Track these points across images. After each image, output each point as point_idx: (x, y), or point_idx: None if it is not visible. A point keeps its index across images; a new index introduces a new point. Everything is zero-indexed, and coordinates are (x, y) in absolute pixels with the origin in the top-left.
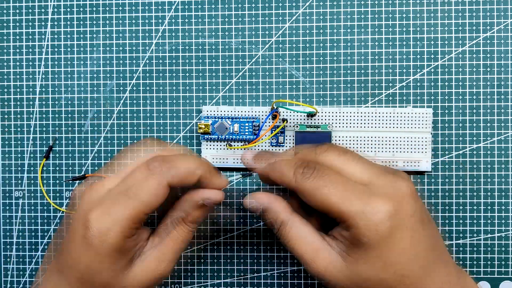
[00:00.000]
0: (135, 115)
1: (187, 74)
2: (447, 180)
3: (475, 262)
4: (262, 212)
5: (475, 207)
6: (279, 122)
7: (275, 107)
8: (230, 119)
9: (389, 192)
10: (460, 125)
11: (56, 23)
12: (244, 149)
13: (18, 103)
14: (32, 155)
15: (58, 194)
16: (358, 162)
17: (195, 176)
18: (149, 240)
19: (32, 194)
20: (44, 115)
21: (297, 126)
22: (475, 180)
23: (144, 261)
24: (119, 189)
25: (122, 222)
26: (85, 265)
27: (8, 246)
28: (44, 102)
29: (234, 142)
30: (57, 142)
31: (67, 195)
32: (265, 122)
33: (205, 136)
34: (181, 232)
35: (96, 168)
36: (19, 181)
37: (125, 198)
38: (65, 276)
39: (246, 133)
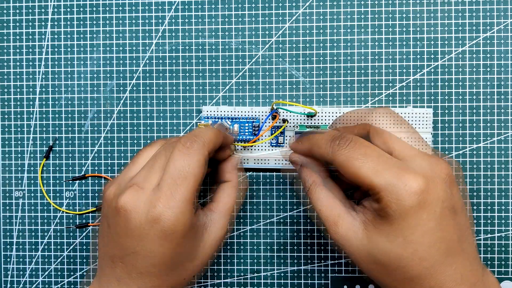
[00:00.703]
0: (135, 115)
1: (187, 74)
2: None
3: None
4: (300, 168)
5: (475, 207)
6: (279, 123)
7: (275, 108)
8: (230, 119)
9: (424, 171)
10: (460, 125)
11: (56, 23)
12: (244, 147)
13: (18, 103)
14: (32, 155)
15: (58, 194)
16: (398, 140)
17: (220, 138)
18: (211, 208)
19: (32, 194)
20: (44, 115)
21: (297, 127)
22: (475, 180)
23: (217, 226)
24: (169, 176)
25: (188, 199)
26: (172, 252)
27: (8, 246)
28: (44, 102)
29: (234, 142)
30: (57, 142)
31: (67, 195)
32: (265, 123)
33: None
34: (235, 195)
35: (96, 168)
36: (19, 181)
37: (182, 179)
38: (150, 276)
39: (246, 133)
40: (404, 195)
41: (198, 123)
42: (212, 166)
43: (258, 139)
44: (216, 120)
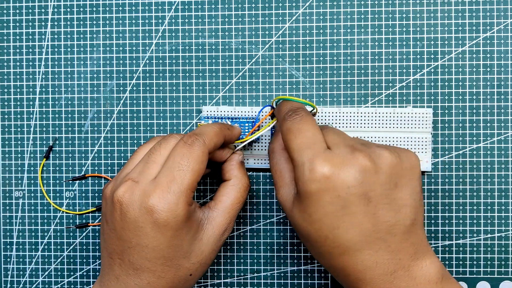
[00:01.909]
0: (135, 115)
1: (187, 74)
2: (447, 180)
3: (475, 262)
4: (275, 130)
5: (475, 207)
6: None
7: (275, 105)
8: (230, 119)
9: (339, 158)
10: (460, 125)
11: (56, 23)
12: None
13: (18, 103)
14: (32, 155)
15: (58, 194)
16: (339, 131)
17: (222, 137)
18: (210, 206)
19: (32, 194)
20: (44, 115)
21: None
22: (475, 180)
23: (214, 224)
24: (167, 169)
25: (185, 192)
26: (166, 245)
27: (8, 246)
28: (44, 102)
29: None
30: (57, 142)
31: (67, 195)
32: (259, 115)
33: None
34: (241, 194)
35: (96, 168)
36: (19, 181)
37: (179, 172)
38: (146, 269)
39: (246, 133)
40: (308, 176)
41: (198, 123)
42: (212, 167)
43: (253, 133)
44: (216, 120)
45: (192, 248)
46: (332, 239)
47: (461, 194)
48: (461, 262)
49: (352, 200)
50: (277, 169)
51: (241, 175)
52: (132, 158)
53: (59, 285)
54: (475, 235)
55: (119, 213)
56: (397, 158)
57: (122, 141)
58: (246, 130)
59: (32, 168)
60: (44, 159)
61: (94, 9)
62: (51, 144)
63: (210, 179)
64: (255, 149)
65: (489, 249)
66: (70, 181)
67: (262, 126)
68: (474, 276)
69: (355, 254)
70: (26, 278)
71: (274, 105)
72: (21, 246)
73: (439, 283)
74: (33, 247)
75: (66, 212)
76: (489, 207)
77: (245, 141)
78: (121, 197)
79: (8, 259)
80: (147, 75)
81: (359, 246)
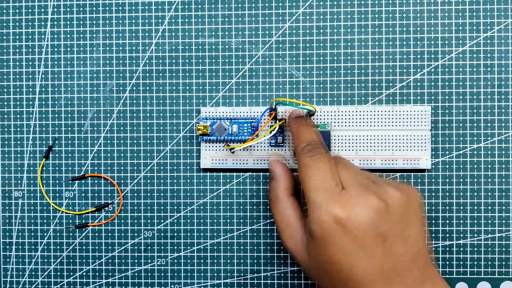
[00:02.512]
0: (135, 115)
1: (187, 74)
2: (447, 180)
3: (475, 262)
4: (271, 178)
5: (475, 207)
6: (274, 122)
7: (274, 106)
8: (228, 120)
9: (354, 201)
10: (460, 125)
11: (56, 23)
12: (241, 148)
13: (18, 103)
14: (32, 155)
15: (57, 194)
16: (351, 167)
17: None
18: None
19: (32, 194)
20: (43, 115)
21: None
22: (475, 180)
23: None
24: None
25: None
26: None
27: (7, 246)
28: (44, 102)
29: (233, 143)
30: (56, 142)
31: (67, 195)
32: (261, 119)
33: (204, 137)
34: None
35: (96, 168)
36: (19, 181)
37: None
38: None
39: (245, 134)
40: (325, 218)
41: (197, 124)
42: None
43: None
44: (215, 121)
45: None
46: (352, 279)
47: (461, 194)
48: (461, 262)
49: (369, 240)
50: (283, 217)
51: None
52: None
53: (58, 285)
54: (475, 235)
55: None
56: (406, 198)
57: (122, 141)
58: (245, 131)
59: (31, 168)
60: (44, 159)
61: (94, 9)
62: (50, 144)
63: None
64: (254, 150)
65: (489, 249)
66: (70, 181)
67: (262, 124)
68: (475, 276)
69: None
70: (26, 278)
71: (273, 106)
72: (20, 246)
73: None
74: (33, 247)
75: (66, 212)
76: (489, 207)
77: (247, 144)
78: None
79: (8, 259)
80: (147, 75)
81: (378, 284)
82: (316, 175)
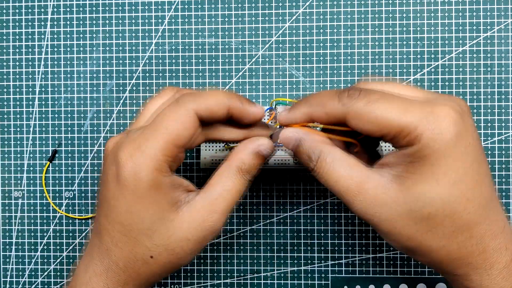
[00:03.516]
0: (134, 115)
1: (187, 74)
2: None
3: None
4: (298, 143)
5: None
6: (274, 122)
7: (274, 106)
8: None
9: (450, 104)
10: None
11: (56, 23)
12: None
13: (18, 103)
14: (31, 155)
15: (57, 195)
16: (405, 86)
17: (224, 106)
18: (200, 190)
19: (32, 194)
20: (43, 115)
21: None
22: None
23: (193, 209)
24: (148, 126)
25: (154, 155)
26: (124, 209)
27: (7, 247)
28: (43, 102)
29: (233, 143)
30: (56, 142)
31: (67, 195)
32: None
33: None
34: (236, 182)
35: (95, 168)
36: (19, 181)
37: (153, 131)
38: (106, 231)
39: None
40: (443, 125)
41: None
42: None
43: None
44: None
45: (156, 227)
46: (473, 200)
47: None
48: None
49: (478, 146)
50: (340, 174)
51: (243, 161)
52: (142, 111)
53: (58, 286)
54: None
55: (102, 162)
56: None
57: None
58: None
59: (31, 168)
60: (48, 162)
61: (94, 9)
62: (56, 148)
63: None
64: None
65: None
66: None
67: None
68: None
69: (490, 215)
70: (26, 278)
71: (273, 106)
72: (20, 247)
73: None
74: (33, 247)
75: (66, 215)
76: None
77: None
78: (107, 145)
79: (8, 260)
80: (147, 75)
81: (491, 204)
82: (388, 102)
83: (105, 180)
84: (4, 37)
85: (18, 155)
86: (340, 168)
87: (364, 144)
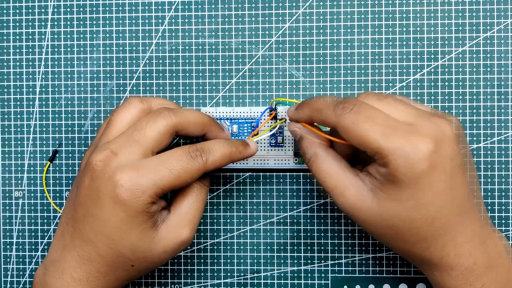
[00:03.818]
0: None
1: (187, 74)
2: None
3: None
4: (299, 139)
5: None
6: (274, 121)
7: (274, 106)
8: (228, 120)
9: (431, 132)
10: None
11: (56, 23)
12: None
13: (18, 103)
14: (32, 155)
15: (58, 194)
16: (400, 103)
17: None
18: (170, 208)
19: (32, 194)
20: (44, 115)
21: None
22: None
23: (170, 226)
24: (160, 160)
25: (157, 187)
26: (114, 226)
27: (8, 246)
28: (44, 102)
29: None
30: (57, 142)
31: (67, 195)
32: (260, 118)
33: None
34: (198, 194)
35: None
36: (19, 181)
37: (166, 170)
38: (90, 242)
39: (245, 134)
40: (415, 159)
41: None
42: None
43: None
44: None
45: (140, 244)
46: (439, 218)
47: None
48: None
49: (455, 172)
50: (330, 174)
51: (202, 183)
52: (110, 125)
53: None
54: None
55: (89, 179)
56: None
57: None
58: (245, 131)
59: (32, 168)
60: (49, 162)
61: (94, 9)
62: (56, 148)
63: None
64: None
65: None
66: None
67: (263, 129)
68: None
69: (457, 227)
70: (26, 278)
71: (273, 106)
72: (21, 246)
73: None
74: (33, 247)
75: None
76: (489, 207)
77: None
78: (95, 164)
79: (8, 259)
80: (147, 75)
81: (461, 219)
82: (373, 124)
83: (95, 197)
84: (5, 37)
85: (19, 155)
86: (329, 170)
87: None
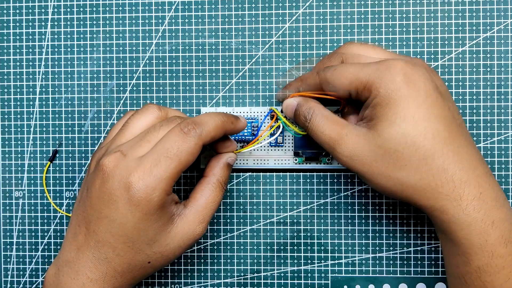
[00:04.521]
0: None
1: (187, 74)
2: None
3: None
4: (297, 107)
5: None
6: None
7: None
8: None
9: (404, 58)
10: None
11: (56, 23)
12: (241, 152)
13: (18, 103)
14: (32, 155)
15: (58, 195)
16: (376, 47)
17: (222, 131)
18: (185, 203)
19: (32, 194)
20: (44, 115)
21: (295, 126)
22: None
23: (185, 221)
24: (155, 151)
25: (165, 180)
26: (132, 226)
27: (8, 246)
28: (44, 102)
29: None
30: (57, 142)
31: (67, 195)
32: (263, 123)
33: None
34: (216, 193)
35: None
36: (19, 181)
37: (166, 159)
38: (107, 244)
39: (245, 134)
40: (389, 75)
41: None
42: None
43: (257, 140)
44: None
45: (157, 238)
46: (439, 134)
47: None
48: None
49: (431, 93)
50: (325, 127)
51: (220, 175)
52: (125, 129)
53: None
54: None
55: (100, 181)
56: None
57: None
58: (246, 131)
59: (32, 168)
60: (49, 162)
61: (94, 9)
62: (56, 148)
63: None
64: (254, 150)
65: None
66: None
67: (264, 129)
68: None
69: (456, 149)
70: (26, 278)
71: (273, 107)
72: (21, 246)
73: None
74: (33, 247)
75: (67, 215)
76: None
77: (248, 149)
78: (106, 166)
79: (8, 259)
80: (147, 75)
81: (455, 140)
82: (349, 65)
83: (109, 200)
84: (5, 37)
85: (19, 155)
86: (326, 122)
87: (351, 105)
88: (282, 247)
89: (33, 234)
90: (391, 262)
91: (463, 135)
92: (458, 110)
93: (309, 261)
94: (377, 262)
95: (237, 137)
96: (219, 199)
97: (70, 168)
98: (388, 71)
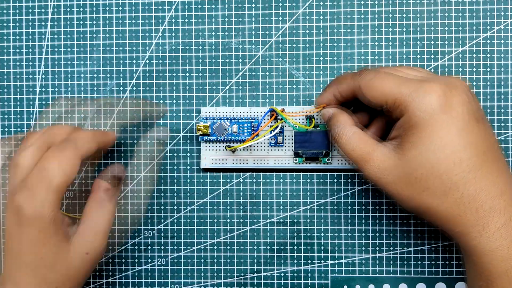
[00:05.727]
0: (135, 115)
1: (187, 74)
2: None
3: None
4: (329, 117)
5: None
6: (275, 122)
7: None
8: (228, 120)
9: (443, 80)
10: None
11: (56, 23)
12: (241, 148)
13: (18, 103)
14: None
15: None
16: (410, 67)
17: (95, 142)
18: (78, 222)
19: None
20: (44, 115)
21: (296, 126)
22: None
23: (82, 235)
24: (37, 169)
25: (52, 193)
26: (28, 250)
27: None
28: (44, 102)
29: (233, 143)
30: None
31: (67, 195)
32: (262, 120)
33: (204, 137)
34: (105, 204)
35: (96, 168)
36: None
37: (48, 173)
38: (14, 279)
39: (245, 134)
40: (427, 98)
41: (197, 124)
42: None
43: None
44: (215, 121)
45: (57, 259)
46: (465, 160)
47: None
48: (461, 262)
49: (469, 118)
50: (355, 144)
51: (104, 187)
52: (15, 168)
53: None
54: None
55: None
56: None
57: (122, 141)
58: (245, 131)
59: None
60: None
61: (94, 9)
62: None
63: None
64: (254, 150)
65: None
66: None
67: (263, 124)
68: None
69: (486, 176)
70: None
71: (273, 106)
72: None
73: None
74: None
75: (66, 215)
76: None
77: (246, 144)
78: (4, 206)
79: None
80: (147, 75)
81: (486, 168)
82: (389, 78)
83: (6, 232)
84: (4, 37)
85: None
86: (356, 141)
87: (382, 123)
88: (282, 247)
89: None
90: (391, 262)
91: (496, 161)
92: (494, 133)
93: (309, 261)
94: (377, 262)
95: (237, 137)
96: (109, 209)
97: None
98: (424, 94)
